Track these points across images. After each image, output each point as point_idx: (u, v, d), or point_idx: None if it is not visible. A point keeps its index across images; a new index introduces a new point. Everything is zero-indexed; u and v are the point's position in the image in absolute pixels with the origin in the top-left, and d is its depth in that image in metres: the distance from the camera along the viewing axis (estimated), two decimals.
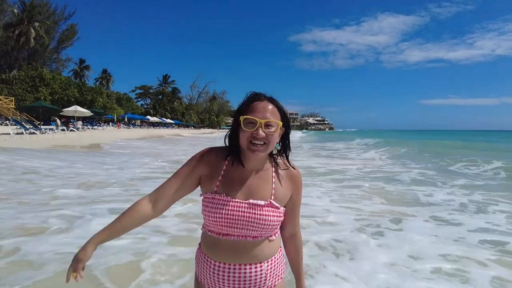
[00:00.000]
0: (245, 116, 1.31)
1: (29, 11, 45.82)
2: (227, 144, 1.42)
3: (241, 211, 1.34)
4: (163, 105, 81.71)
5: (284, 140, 1.45)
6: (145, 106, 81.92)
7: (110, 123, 51.55)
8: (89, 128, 37.13)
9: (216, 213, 1.34)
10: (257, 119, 1.29)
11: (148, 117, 66.97)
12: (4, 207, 5.70)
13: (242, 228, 1.34)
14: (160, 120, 69.91)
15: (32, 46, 46.71)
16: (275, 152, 1.45)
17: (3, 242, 4.03)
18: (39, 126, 26.15)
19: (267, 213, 1.36)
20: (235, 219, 1.33)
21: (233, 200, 1.35)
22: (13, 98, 34.53)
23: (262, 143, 1.31)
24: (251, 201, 1.35)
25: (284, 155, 1.47)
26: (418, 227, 5.21)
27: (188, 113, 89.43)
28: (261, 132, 1.29)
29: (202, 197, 1.41)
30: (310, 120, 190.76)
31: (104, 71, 71.78)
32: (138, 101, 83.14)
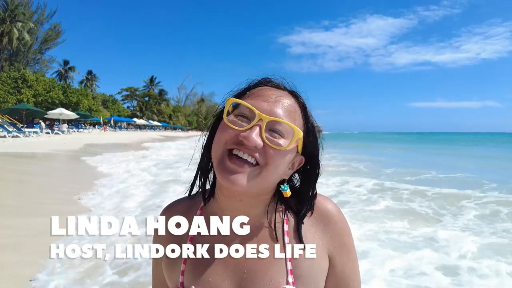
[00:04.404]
0: (236, 100, 0.75)
1: (11, 10, 44.69)
2: (200, 176, 0.83)
3: None
4: (149, 107, 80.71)
5: (305, 178, 0.81)
6: (131, 108, 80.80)
7: (96, 126, 50.57)
8: (74, 131, 36.34)
9: None
10: (255, 110, 0.71)
11: (135, 119, 66.08)
12: None
13: None
14: (147, 123, 69.05)
15: (15, 46, 45.54)
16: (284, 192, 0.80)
17: None
18: (23, 129, 25.42)
19: None
20: None
21: None
22: None
23: (251, 160, 0.70)
24: None
25: (294, 208, 0.81)
26: None
27: (176, 116, 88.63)
28: (254, 136, 0.69)
29: None
30: None
31: (89, 72, 70.54)
32: (125, 103, 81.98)
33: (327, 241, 0.79)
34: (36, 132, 27.00)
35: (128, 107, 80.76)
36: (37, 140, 22.14)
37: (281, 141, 0.71)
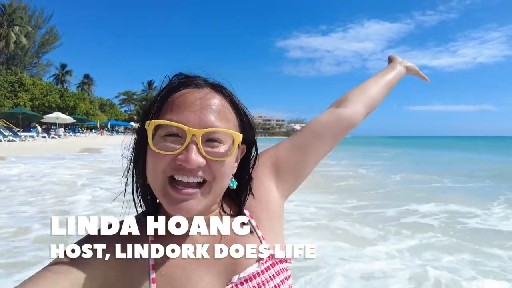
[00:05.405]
0: (158, 122, 0.66)
1: (9, 14, 44.66)
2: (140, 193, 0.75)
3: None
4: None
5: (244, 169, 0.77)
6: (129, 113, 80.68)
7: (93, 130, 50.44)
8: (71, 135, 36.22)
9: None
10: (184, 127, 0.63)
11: (132, 123, 65.96)
12: None
13: None
14: None
15: (12, 50, 45.46)
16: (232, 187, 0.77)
17: None
18: (19, 133, 25.30)
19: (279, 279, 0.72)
20: None
21: None
22: None
23: (197, 180, 0.65)
24: (235, 279, 0.69)
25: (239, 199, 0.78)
26: None
27: None
28: (194, 156, 0.63)
29: None
30: (297, 126, 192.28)
31: (86, 76, 70.46)
32: (122, 107, 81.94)
33: (271, 181, 0.83)
34: (32, 136, 26.89)
35: (125, 111, 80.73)
36: (32, 144, 22.03)
37: (222, 149, 0.66)
